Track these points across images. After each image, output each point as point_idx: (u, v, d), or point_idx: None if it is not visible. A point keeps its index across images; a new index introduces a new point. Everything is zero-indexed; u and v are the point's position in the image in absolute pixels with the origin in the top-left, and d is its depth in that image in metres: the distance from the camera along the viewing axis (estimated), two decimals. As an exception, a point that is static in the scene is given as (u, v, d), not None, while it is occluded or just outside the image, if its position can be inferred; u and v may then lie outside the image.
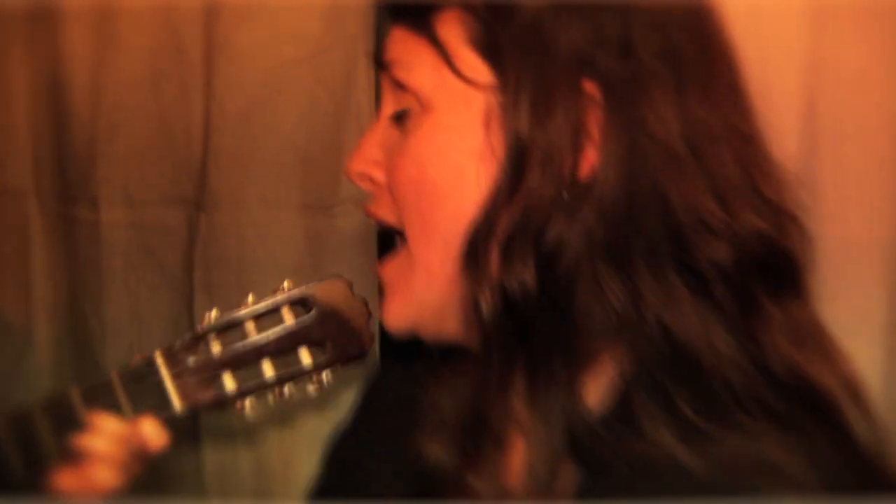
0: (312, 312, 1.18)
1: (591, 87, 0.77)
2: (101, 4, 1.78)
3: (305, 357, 1.18)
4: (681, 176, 0.76)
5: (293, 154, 1.74)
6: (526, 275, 0.77)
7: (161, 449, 1.11)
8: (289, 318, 1.18)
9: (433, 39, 0.83)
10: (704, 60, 0.81)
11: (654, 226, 0.77)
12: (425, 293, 0.86)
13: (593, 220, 0.76)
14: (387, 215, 0.90)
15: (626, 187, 0.76)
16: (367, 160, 0.90)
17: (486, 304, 0.79)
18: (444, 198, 0.83)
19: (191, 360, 1.16)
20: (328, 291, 1.19)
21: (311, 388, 1.19)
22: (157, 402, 1.14)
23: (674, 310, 0.75)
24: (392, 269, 0.90)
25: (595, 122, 0.77)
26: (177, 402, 1.14)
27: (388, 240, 1.10)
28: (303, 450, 1.73)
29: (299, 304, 1.18)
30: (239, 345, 1.17)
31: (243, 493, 1.84)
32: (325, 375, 1.18)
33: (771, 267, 0.78)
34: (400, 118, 0.87)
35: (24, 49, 1.86)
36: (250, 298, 1.20)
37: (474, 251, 0.80)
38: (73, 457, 1.07)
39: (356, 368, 1.19)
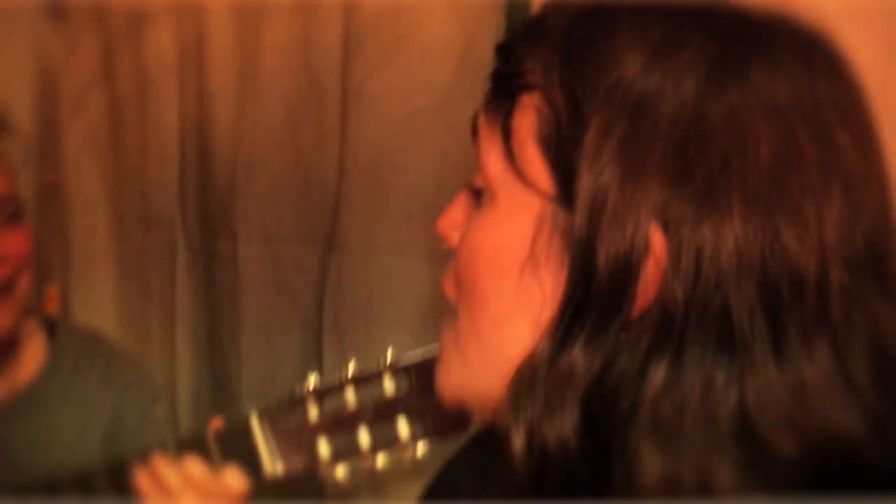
0: (414, 383, 1.17)
1: (663, 213, 0.70)
2: (244, 51, 1.85)
3: (403, 427, 1.17)
4: (745, 359, 0.67)
5: (422, 203, 1.74)
6: (567, 427, 0.70)
7: (242, 495, 1.15)
8: (389, 387, 1.17)
9: (505, 126, 0.74)
10: (813, 175, 0.67)
11: (709, 402, 0.69)
12: (466, 380, 0.82)
13: (644, 375, 0.70)
14: (448, 288, 0.85)
15: (681, 346, 0.70)
16: (450, 221, 0.85)
17: (519, 445, 0.74)
18: (485, 302, 0.75)
19: (287, 424, 1.17)
20: (430, 364, 1.18)
21: (405, 459, 1.19)
22: (247, 463, 1.17)
23: (720, 484, 0.69)
24: (448, 334, 0.84)
25: (660, 251, 0.67)
26: (268, 465, 1.16)
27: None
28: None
29: (401, 373, 1.18)
30: (337, 411, 1.18)
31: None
32: (421, 447, 1.18)
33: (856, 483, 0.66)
34: (478, 194, 0.79)
35: (175, 88, 1.95)
36: (352, 365, 1.20)
37: (517, 387, 0.73)
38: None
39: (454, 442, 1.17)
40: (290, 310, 1.91)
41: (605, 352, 0.69)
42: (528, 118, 0.73)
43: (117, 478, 1.20)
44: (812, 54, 0.72)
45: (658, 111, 0.67)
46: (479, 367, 0.78)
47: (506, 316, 0.75)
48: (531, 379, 0.72)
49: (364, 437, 1.17)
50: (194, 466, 1.16)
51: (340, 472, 1.18)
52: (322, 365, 1.86)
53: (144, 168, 2.03)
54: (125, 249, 2.12)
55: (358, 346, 1.81)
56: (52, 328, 1.65)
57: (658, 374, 0.68)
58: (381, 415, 1.17)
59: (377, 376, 1.18)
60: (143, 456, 1.19)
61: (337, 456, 1.17)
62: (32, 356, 1.59)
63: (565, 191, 0.70)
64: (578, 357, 0.69)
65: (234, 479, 1.15)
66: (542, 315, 0.72)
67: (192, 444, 1.19)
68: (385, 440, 1.17)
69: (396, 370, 1.18)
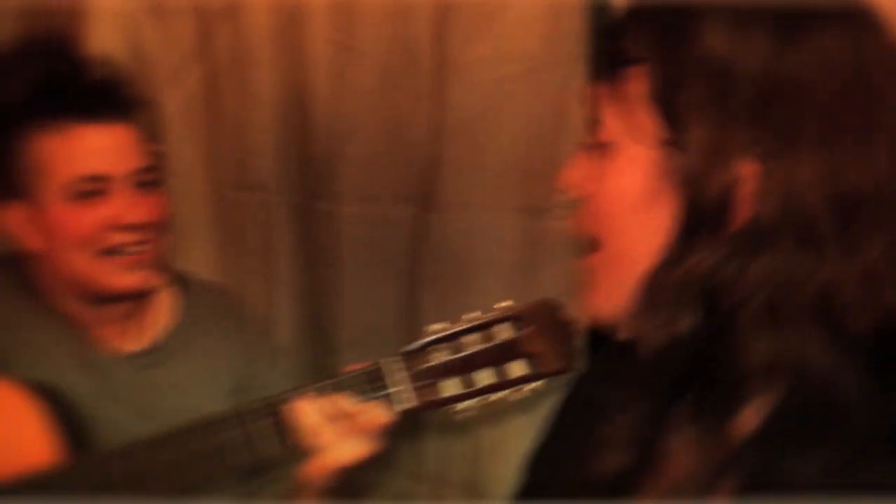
0: (525, 330, 1.30)
1: (753, 149, 0.86)
2: (341, 19, 1.94)
3: (515, 370, 1.30)
4: (821, 253, 0.85)
5: (513, 162, 1.86)
6: (689, 322, 0.89)
7: (387, 424, 1.31)
8: (503, 334, 1.31)
9: (620, 93, 0.93)
10: (864, 115, 0.87)
11: (798, 288, 0.86)
12: (611, 300, 0.98)
13: (746, 272, 0.87)
14: (577, 228, 1.01)
15: (774, 247, 0.86)
16: (573, 176, 1.01)
17: (652, 342, 0.90)
18: (618, 234, 0.94)
19: (414, 369, 1.30)
20: (540, 311, 1.32)
21: (515, 398, 1.33)
22: (380, 402, 1.31)
23: (812, 358, 0.85)
24: (591, 266, 1.01)
25: (752, 178, 0.86)
26: (399, 405, 1.30)
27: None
28: (511, 437, 1.88)
29: (514, 321, 1.31)
30: (457, 356, 1.31)
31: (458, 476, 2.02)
32: (531, 386, 1.31)
33: None
34: (594, 149, 0.97)
35: (271, 55, 2.05)
36: (470, 315, 1.33)
37: (650, 294, 0.91)
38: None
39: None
40: (387, 265, 2.02)
41: (714, 259, 0.88)
42: (638, 85, 0.92)
43: (270, 413, 1.33)
44: (858, 22, 0.89)
45: (739, 72, 0.86)
46: (618, 287, 0.95)
47: (634, 243, 0.93)
48: (655, 286, 0.91)
49: (481, 378, 1.30)
50: (336, 404, 1.30)
51: (460, 409, 1.31)
52: (418, 316, 1.97)
53: (242, 134, 2.13)
54: (224, 212, 2.22)
55: (454, 297, 1.93)
56: (184, 282, 1.76)
57: (757, 272, 0.87)
58: (495, 359, 1.31)
59: (493, 323, 1.31)
60: (285, 397, 1.34)
61: (457, 396, 1.30)
62: (166, 309, 1.71)
63: (674, 140, 0.89)
64: (693, 265, 0.88)
65: (378, 413, 1.29)
66: (660, 238, 0.91)
67: (330, 385, 1.32)
68: (499, 382, 1.31)
69: (510, 317, 1.31)
